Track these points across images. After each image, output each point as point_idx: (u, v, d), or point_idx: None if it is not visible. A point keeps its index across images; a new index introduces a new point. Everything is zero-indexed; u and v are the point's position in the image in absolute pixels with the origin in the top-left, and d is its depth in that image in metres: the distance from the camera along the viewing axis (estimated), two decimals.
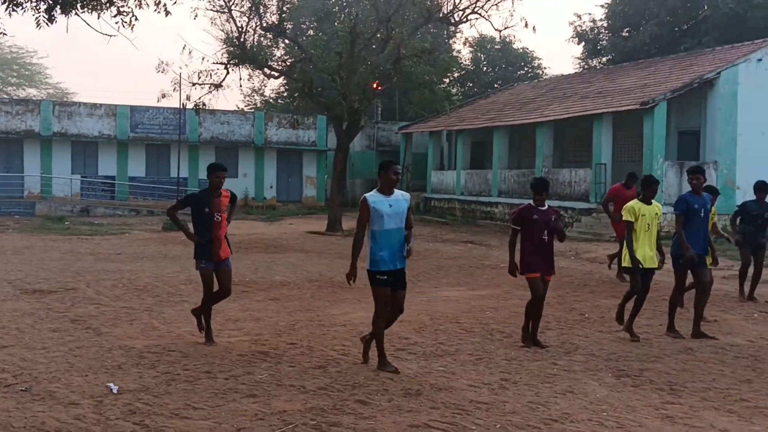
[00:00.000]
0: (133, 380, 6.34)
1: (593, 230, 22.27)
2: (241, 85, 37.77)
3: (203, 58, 23.55)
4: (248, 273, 13.49)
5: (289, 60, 26.93)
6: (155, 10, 8.68)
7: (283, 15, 24.58)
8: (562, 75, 37.80)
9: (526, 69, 46.18)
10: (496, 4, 24.33)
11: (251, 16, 23.97)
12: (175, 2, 8.92)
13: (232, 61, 23.94)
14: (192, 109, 24.43)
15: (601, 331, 8.98)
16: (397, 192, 6.84)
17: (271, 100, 43.81)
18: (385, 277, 6.64)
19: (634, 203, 8.60)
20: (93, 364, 6.85)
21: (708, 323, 9.23)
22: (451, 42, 37.84)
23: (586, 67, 41.28)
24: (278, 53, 27.78)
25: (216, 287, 7.86)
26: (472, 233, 24.19)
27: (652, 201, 8.58)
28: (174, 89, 23.88)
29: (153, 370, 6.67)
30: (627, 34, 38.35)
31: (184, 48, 23.19)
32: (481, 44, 42.93)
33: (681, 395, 6.31)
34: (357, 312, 9.91)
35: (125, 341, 7.86)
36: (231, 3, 23.84)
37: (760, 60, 23.15)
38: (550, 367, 7.20)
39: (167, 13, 8.82)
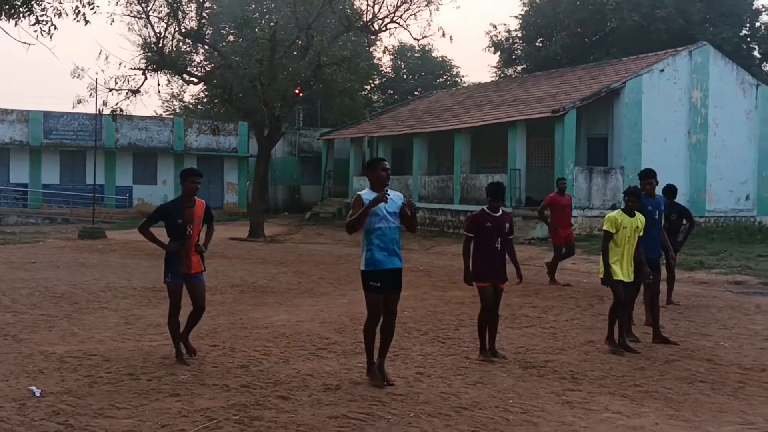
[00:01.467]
0: (56, 383, 6.40)
1: None
2: (159, 91, 37.25)
3: (120, 64, 23.19)
4: None
5: (209, 66, 26.91)
6: (74, 19, 8.67)
7: (203, 21, 24.55)
8: (479, 83, 38.89)
9: (445, 77, 47.25)
10: (414, 14, 25.00)
11: (170, 22, 23.82)
12: (94, 12, 8.93)
13: (150, 67, 23.72)
14: (109, 114, 24.04)
15: (511, 327, 9.48)
16: (391, 191, 6.57)
17: (190, 106, 43.40)
18: (379, 284, 6.42)
19: (618, 214, 8.19)
20: (14, 369, 6.86)
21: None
22: (371, 50, 38.39)
23: (501, 75, 42.59)
24: (197, 59, 27.74)
25: (191, 303, 7.33)
26: None
27: (636, 212, 8.20)
28: (90, 95, 23.50)
29: (75, 374, 6.74)
30: (540, 44, 39.78)
31: (100, 53, 22.84)
32: (401, 52, 43.69)
33: (581, 383, 6.82)
34: (279, 315, 10.13)
35: (45, 347, 7.85)
36: (149, 9, 23.62)
37: (662, 71, 24.52)
38: (462, 361, 7.62)
39: (86, 22, 8.82)
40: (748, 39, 36.50)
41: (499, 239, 7.68)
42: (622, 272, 8.10)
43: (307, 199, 37.29)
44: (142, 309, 10.50)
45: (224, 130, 33.69)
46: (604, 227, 8.21)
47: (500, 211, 7.80)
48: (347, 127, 34.59)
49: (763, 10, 38.64)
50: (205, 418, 5.54)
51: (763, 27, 36.61)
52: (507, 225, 7.77)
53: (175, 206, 7.24)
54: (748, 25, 36.53)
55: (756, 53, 36.54)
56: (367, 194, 6.51)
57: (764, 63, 36.46)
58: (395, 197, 6.59)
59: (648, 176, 9.10)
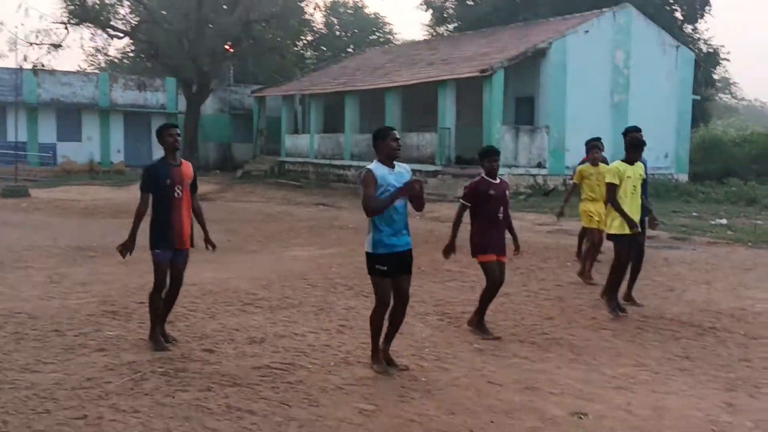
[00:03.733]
0: None
1: (439, 191, 23.52)
2: (83, 46, 36.11)
3: (41, 17, 22.45)
4: (96, 238, 13.41)
5: (135, 20, 26.15)
6: None
7: None
8: (412, 41, 38.95)
9: (377, 35, 47.11)
10: None
11: None
12: None
13: (72, 20, 23.00)
14: (30, 69, 23.27)
15: (434, 281, 9.88)
16: (398, 164, 5.90)
17: (116, 61, 42.11)
18: (386, 268, 5.73)
19: (618, 164, 7.89)
20: None
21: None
22: (302, 5, 37.95)
23: (433, 34, 42.70)
24: (123, 12, 26.91)
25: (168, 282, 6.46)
26: (325, 196, 24.84)
27: (636, 161, 7.95)
28: (10, 49, 22.70)
29: (1, 331, 6.80)
30: (472, 2, 39.98)
31: (20, 6, 22.05)
32: (333, 8, 43.27)
33: (493, 332, 7.25)
34: (207, 272, 10.26)
35: None
36: None
37: (587, 32, 25.12)
38: None
39: None
40: (671, 1, 37.48)
41: (502, 208, 7.09)
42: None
43: (239, 157, 36.94)
44: (68, 268, 10.48)
45: (151, 86, 32.94)
46: (608, 179, 7.90)
47: (498, 178, 7.15)
48: (279, 85, 34.28)
49: None
50: (130, 371, 5.73)
51: None
52: (507, 192, 7.21)
53: (161, 165, 6.37)
54: None
55: (678, 15, 37.59)
56: (378, 168, 5.75)
57: (685, 25, 37.57)
58: (403, 170, 5.88)
59: (637, 130, 8.47)
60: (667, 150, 27.46)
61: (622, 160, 7.93)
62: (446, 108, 24.96)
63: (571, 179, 12.34)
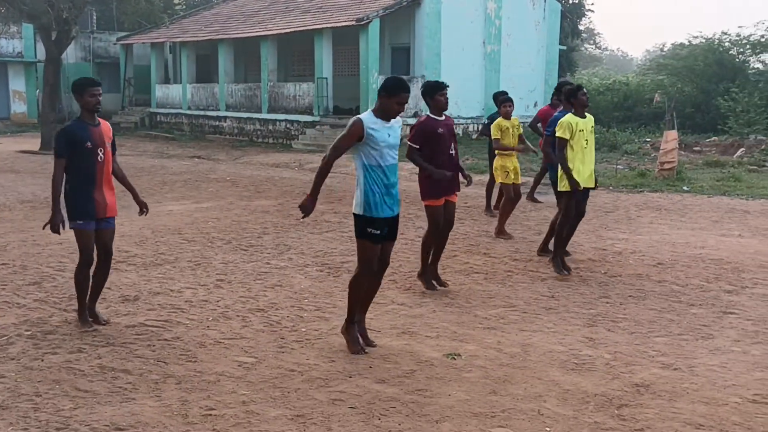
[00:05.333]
0: None
1: (317, 142, 23.41)
2: None
3: None
4: None
5: None
6: None
7: None
8: None
9: None
10: None
11: None
12: None
13: None
14: None
15: (313, 232, 9.90)
16: (393, 120, 5.25)
17: None
18: (379, 231, 5.16)
19: (570, 118, 7.53)
20: None
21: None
22: None
23: None
24: None
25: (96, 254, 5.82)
26: (200, 148, 24.18)
27: (586, 114, 7.69)
28: None
29: None
30: None
31: None
32: None
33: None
34: None
35: None
36: None
37: None
38: (264, 266, 7.93)
39: None
40: None
41: (452, 144, 6.84)
42: (582, 179, 7.57)
43: (106, 108, 35.07)
44: None
45: (6, 33, 30.60)
46: (558, 134, 7.50)
47: (443, 115, 6.85)
48: (146, 32, 32.68)
49: None
50: None
51: None
52: (454, 127, 6.98)
53: (79, 126, 5.66)
54: None
55: None
56: (371, 120, 5.11)
57: None
58: (396, 125, 5.27)
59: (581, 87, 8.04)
60: (536, 98, 28.45)
61: (573, 113, 7.58)
62: (323, 57, 24.71)
63: (483, 135, 12.56)
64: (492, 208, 11.75)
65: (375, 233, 5.16)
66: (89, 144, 5.61)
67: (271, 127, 26.03)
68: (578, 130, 7.49)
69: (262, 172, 17.65)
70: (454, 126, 7.04)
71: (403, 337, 5.68)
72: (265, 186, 14.69)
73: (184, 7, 41.76)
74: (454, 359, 5.22)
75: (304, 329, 5.82)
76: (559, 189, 7.78)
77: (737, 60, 29.82)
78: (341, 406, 4.39)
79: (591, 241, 9.48)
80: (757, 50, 29.68)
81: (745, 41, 29.73)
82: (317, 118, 24.49)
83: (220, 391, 4.58)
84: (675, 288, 7.18)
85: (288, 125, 25.38)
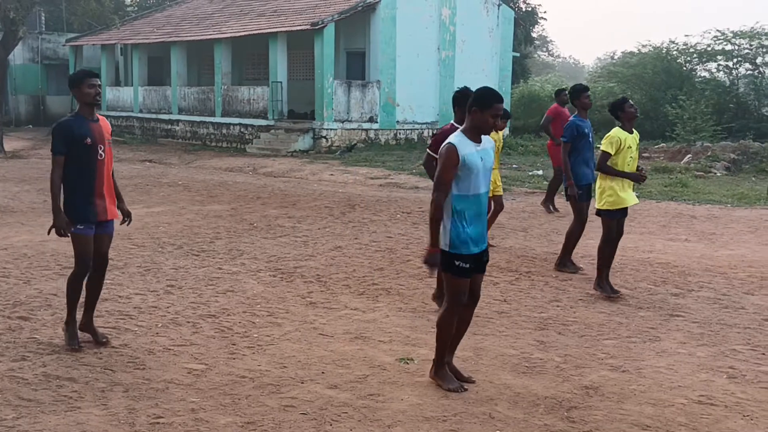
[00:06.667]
0: None
1: (271, 146, 23.27)
2: None
3: None
4: None
5: None
6: None
7: None
8: None
9: None
10: None
11: None
12: None
13: None
14: None
15: (266, 237, 9.82)
16: (484, 138, 4.70)
17: None
18: (468, 265, 4.63)
19: (618, 132, 6.96)
20: None
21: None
22: None
23: None
24: None
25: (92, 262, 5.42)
26: (152, 152, 23.80)
27: (633, 130, 7.14)
28: None
29: None
30: None
31: None
32: None
33: (326, 284, 7.36)
34: (21, 235, 9.58)
35: None
36: None
37: None
38: (215, 272, 7.83)
39: None
40: None
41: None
42: (629, 197, 7.13)
43: (55, 110, 34.38)
44: None
45: None
46: (603, 147, 6.95)
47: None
48: (97, 33, 32.08)
49: None
50: None
51: None
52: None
53: (77, 122, 5.30)
54: None
55: None
56: (463, 142, 4.55)
57: None
58: (488, 146, 4.72)
59: (586, 89, 8.09)
60: None
61: (621, 128, 7.05)
62: (278, 61, 24.56)
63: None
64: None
65: (464, 267, 4.62)
66: (89, 140, 5.22)
67: (224, 131, 25.78)
68: (626, 146, 6.94)
69: (215, 177, 17.45)
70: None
71: (356, 342, 5.66)
72: (218, 190, 14.52)
73: (136, 8, 41.15)
74: (407, 364, 5.22)
75: (256, 335, 5.76)
76: (597, 207, 7.22)
77: (684, 68, 30.59)
78: (293, 412, 4.35)
79: (543, 245, 9.60)
80: (704, 59, 30.51)
81: (692, 50, 30.54)
82: (272, 122, 24.33)
83: (169, 398, 4.50)
84: (624, 291, 7.30)
85: (242, 129, 25.16)
